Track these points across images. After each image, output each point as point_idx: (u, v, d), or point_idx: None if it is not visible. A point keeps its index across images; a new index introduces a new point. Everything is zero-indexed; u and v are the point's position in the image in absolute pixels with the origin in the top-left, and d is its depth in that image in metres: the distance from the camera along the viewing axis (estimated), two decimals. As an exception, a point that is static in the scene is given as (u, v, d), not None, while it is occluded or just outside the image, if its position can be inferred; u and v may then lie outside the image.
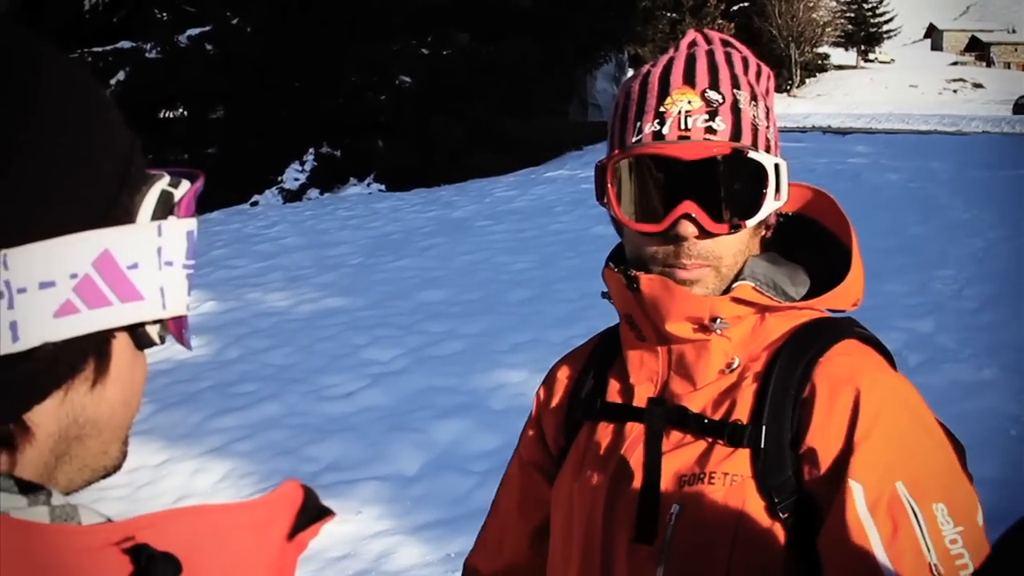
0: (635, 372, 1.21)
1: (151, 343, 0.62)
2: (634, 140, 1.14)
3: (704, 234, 1.11)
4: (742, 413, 1.11)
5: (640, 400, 1.19)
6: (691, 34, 1.23)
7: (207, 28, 18.79)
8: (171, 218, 0.61)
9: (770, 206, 1.14)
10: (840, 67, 76.00)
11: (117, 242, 0.57)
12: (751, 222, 1.13)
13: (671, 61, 1.18)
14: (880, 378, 1.11)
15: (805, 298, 1.18)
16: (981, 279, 7.62)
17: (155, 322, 0.61)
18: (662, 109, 1.13)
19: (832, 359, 1.11)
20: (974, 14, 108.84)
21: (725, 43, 1.21)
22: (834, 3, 76.06)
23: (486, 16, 19.16)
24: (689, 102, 1.12)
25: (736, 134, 1.12)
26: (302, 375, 5.92)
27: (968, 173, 14.28)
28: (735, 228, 1.12)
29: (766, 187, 1.13)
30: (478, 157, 17.84)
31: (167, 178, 0.62)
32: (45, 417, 0.57)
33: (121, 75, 17.50)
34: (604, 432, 1.22)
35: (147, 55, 18.08)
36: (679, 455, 1.14)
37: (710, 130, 1.11)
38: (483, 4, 19.10)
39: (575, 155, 19.66)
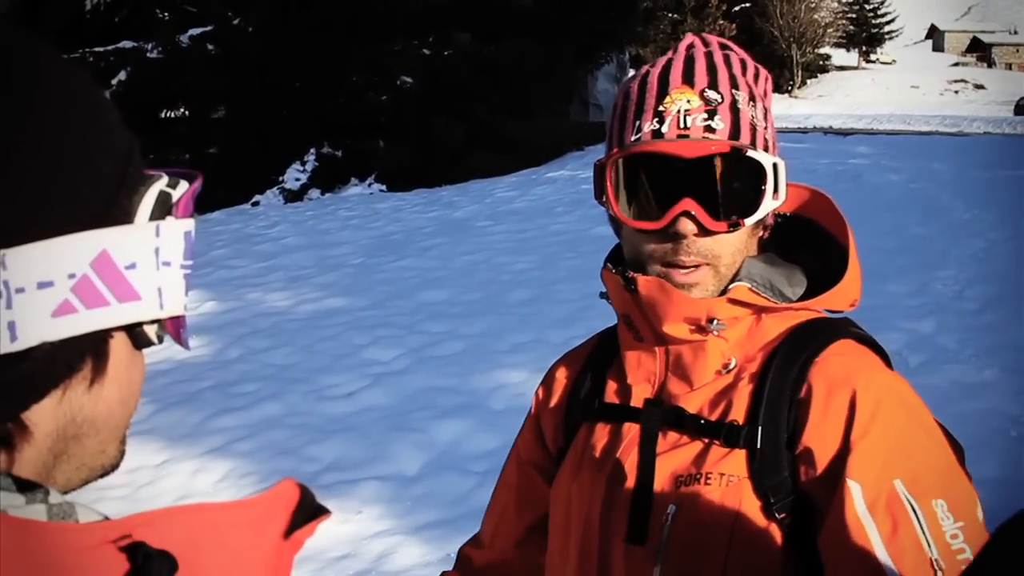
0: (633, 372, 1.21)
1: (149, 343, 0.63)
2: (633, 139, 1.14)
3: (703, 232, 1.12)
4: (738, 414, 1.12)
5: (637, 400, 1.20)
6: (689, 37, 1.23)
7: (208, 28, 18.78)
8: (169, 218, 0.61)
9: (768, 205, 1.15)
10: (841, 68, 75.84)
11: (115, 242, 0.57)
12: (750, 220, 1.13)
13: (670, 62, 1.18)
14: (876, 377, 1.11)
15: (802, 299, 1.19)
16: (982, 280, 7.61)
17: (153, 322, 0.61)
18: (661, 108, 1.13)
19: (828, 359, 1.11)
20: (976, 15, 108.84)
21: (723, 46, 1.22)
22: (836, 4, 75.94)
23: (487, 16, 19.16)
24: (688, 101, 1.12)
25: (735, 133, 1.12)
26: (303, 375, 5.92)
27: (969, 174, 14.28)
28: (734, 226, 1.12)
29: (765, 186, 1.14)
30: (479, 157, 17.83)
31: (165, 179, 0.62)
32: (43, 416, 0.57)
33: (122, 75, 17.50)
34: (601, 433, 1.23)
35: (148, 55, 18.07)
36: (676, 455, 1.14)
37: (709, 129, 1.11)
38: (484, 4, 19.08)
39: (576, 155, 19.63)
